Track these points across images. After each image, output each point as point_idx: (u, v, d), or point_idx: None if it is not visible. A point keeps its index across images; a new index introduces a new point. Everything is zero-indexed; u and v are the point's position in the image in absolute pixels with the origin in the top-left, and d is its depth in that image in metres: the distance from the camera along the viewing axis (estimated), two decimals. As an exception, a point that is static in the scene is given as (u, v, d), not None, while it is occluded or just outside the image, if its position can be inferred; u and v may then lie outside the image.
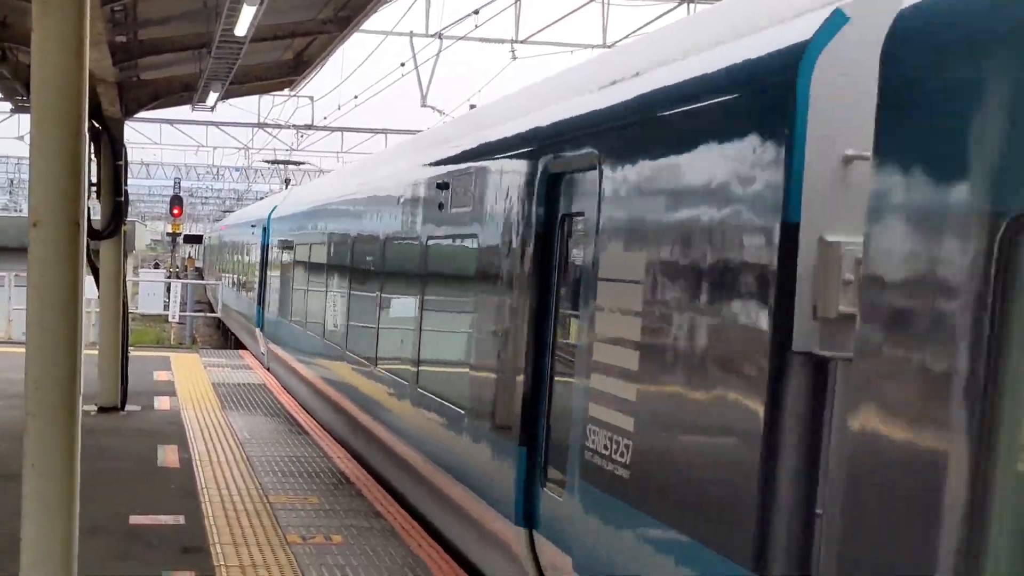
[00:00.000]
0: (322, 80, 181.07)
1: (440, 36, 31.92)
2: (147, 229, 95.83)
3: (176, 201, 48.86)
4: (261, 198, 65.33)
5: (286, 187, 53.54)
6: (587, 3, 29.65)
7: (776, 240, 6.16)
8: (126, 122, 20.63)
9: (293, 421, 20.40)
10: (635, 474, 7.46)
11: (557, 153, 9.14)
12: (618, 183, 7.91)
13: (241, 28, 14.50)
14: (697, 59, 7.38)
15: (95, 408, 20.43)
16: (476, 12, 29.38)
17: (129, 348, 21.18)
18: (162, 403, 21.78)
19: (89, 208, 19.34)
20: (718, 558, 6.49)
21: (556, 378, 9.15)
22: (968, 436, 4.54)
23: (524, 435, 9.48)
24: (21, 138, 60.63)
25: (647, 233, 7.46)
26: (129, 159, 21.13)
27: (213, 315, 47.84)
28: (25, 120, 50.79)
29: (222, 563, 11.54)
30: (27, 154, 9.11)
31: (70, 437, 8.82)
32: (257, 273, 31.97)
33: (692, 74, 7.29)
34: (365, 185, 17.01)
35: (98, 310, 21.16)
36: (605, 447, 7.85)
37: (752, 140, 6.44)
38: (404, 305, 14.02)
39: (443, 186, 12.19)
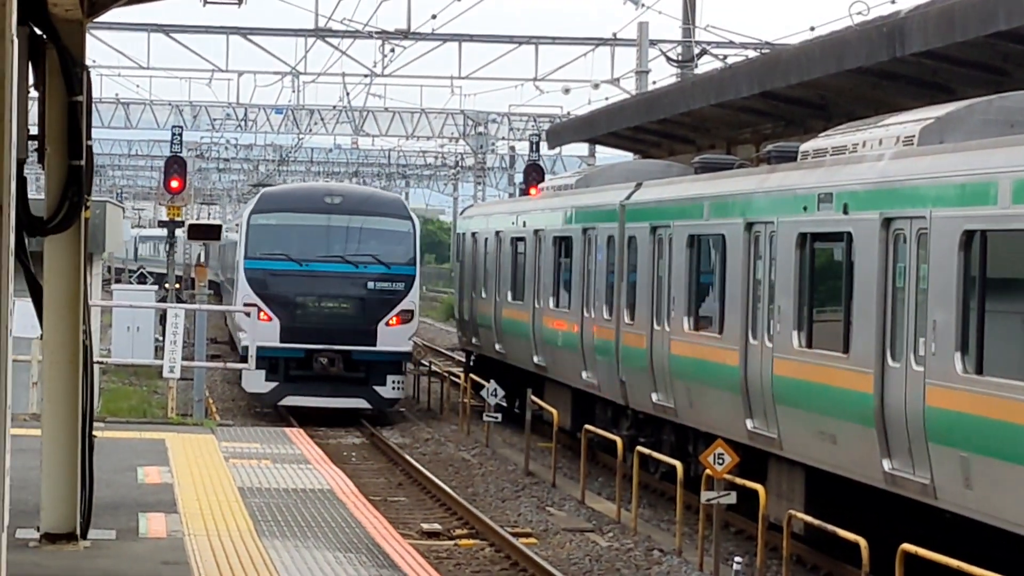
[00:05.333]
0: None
1: None
2: (127, 216, 68.60)
3: (175, 165, 37.68)
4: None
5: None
6: None
7: None
8: (89, 27, 15.47)
9: (383, 556, 15.39)
10: None
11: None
12: None
13: None
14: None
15: (37, 537, 15.27)
16: None
17: (94, 427, 15.95)
18: (153, 525, 16.47)
19: (25, 179, 14.78)
20: None
21: None
22: None
23: None
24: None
25: None
26: (98, 94, 18.73)
27: (242, 365, 32.50)
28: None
29: None
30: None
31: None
32: None
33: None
34: None
35: (40, 358, 19.05)
36: None
37: None
38: None
39: None
